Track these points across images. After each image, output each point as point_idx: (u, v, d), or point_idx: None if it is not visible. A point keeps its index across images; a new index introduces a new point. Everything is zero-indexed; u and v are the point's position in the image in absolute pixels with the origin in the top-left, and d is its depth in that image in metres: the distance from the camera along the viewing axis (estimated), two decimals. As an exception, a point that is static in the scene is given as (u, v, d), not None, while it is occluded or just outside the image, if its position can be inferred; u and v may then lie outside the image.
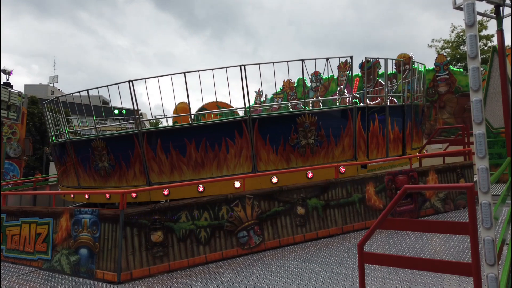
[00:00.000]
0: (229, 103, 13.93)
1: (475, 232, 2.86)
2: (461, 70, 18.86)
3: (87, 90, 9.55)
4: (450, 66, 18.45)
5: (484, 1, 7.14)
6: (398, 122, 10.35)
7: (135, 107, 9.15)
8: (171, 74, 8.88)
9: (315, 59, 9.30)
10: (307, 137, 8.83)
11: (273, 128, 8.85)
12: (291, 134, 8.78)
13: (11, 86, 20.35)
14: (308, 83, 25.79)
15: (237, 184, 7.98)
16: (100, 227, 6.20)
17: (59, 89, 60.67)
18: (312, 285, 4.85)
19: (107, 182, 10.07)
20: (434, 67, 18.42)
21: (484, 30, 26.86)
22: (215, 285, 5.21)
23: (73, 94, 10.02)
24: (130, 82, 8.81)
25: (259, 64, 9.17)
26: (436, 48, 30.33)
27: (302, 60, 9.03)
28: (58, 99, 11.03)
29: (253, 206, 6.93)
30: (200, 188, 8.32)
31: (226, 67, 9.01)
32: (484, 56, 23.63)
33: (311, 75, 25.33)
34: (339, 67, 23.12)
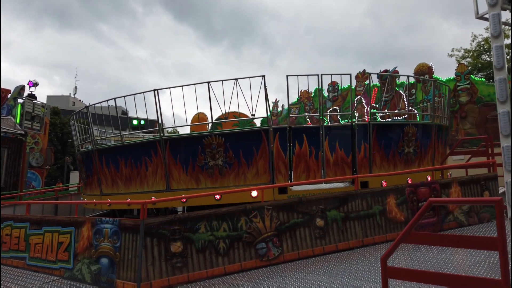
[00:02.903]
0: (246, 113, 14.00)
1: (505, 247, 2.77)
2: (483, 79, 18.53)
3: (107, 100, 10.05)
4: (471, 75, 18.16)
5: (507, 11, 7.03)
6: (344, 143, 9.22)
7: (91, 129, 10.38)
8: (178, 86, 9.18)
9: (222, 80, 8.90)
10: (215, 158, 8.76)
11: (183, 148, 9.04)
12: (198, 155, 8.80)
13: (35, 98, 20.95)
14: (326, 93, 25.74)
15: (153, 198, 8.73)
16: (120, 236, 6.27)
17: (80, 100, 62.24)
18: (333, 299, 4.77)
19: (86, 190, 12.17)
20: (455, 76, 18.15)
21: (506, 39, 26.38)
22: (234, 297, 5.18)
23: (95, 105, 10.27)
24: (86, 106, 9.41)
25: (206, 82, 9.09)
26: (456, 57, 29.91)
27: (208, 83, 8.88)
28: (88, 109, 11.35)
29: (271, 217, 6.89)
30: (128, 199, 9.51)
31: (194, 84, 9.12)
32: (508, 65, 23.17)
33: (328, 85, 25.28)
34: (357, 77, 23.02)
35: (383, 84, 20.81)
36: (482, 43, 28.47)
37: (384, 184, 8.77)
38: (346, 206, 7.45)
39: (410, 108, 19.15)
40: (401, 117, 18.65)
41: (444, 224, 7.95)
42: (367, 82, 22.45)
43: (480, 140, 12.89)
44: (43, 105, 21.25)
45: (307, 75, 9.46)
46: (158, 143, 9.02)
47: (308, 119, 24.84)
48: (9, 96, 19.74)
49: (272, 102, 29.74)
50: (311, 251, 7.00)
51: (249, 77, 8.83)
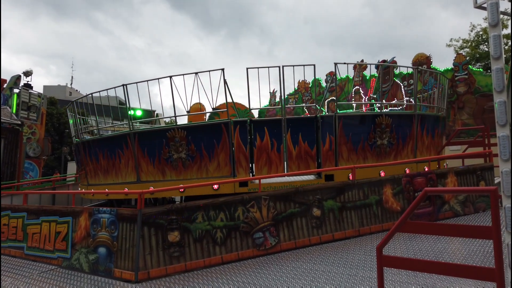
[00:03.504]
0: (243, 104, 13.99)
1: (499, 236, 2.80)
2: (481, 70, 18.50)
3: (86, 95, 10.64)
4: (469, 66, 18.13)
5: (506, 0, 6.97)
6: (308, 136, 9.07)
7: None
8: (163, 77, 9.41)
9: (183, 74, 9.12)
10: (179, 151, 8.92)
11: (149, 141, 9.29)
12: (163, 148, 9.00)
13: (31, 87, 20.79)
14: (324, 84, 25.67)
15: (126, 189, 9.41)
16: (118, 226, 6.29)
17: (77, 90, 61.80)
18: (328, 287, 4.82)
19: (81, 181, 12.90)
20: (453, 67, 18.12)
21: (504, 29, 26.26)
22: (231, 286, 5.23)
23: (93, 95, 10.34)
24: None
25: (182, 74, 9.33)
26: (454, 48, 29.81)
27: (170, 77, 9.08)
28: (76, 101, 11.44)
29: (268, 207, 6.92)
30: (107, 189, 10.13)
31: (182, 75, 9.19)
32: (506, 56, 23.12)
33: (326, 75, 25.21)
34: (354, 68, 22.94)
35: (382, 75, 20.75)
36: (481, 33, 28.36)
37: (351, 177, 8.51)
38: (343, 196, 7.49)
39: (407, 98, 19.16)
40: (399, 107, 18.67)
41: (440, 214, 8.00)
42: (365, 72, 22.42)
43: (477, 131, 12.94)
44: (39, 95, 21.10)
45: (268, 67, 9.31)
46: (128, 136, 9.30)
47: (306, 110, 24.80)
48: (5, 86, 19.58)
49: (270, 92, 29.66)
50: (308, 241, 7.05)
51: (209, 71, 8.97)
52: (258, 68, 9.23)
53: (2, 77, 19.47)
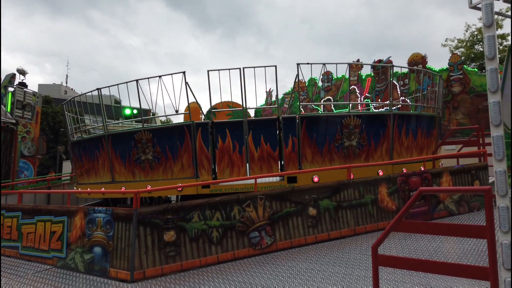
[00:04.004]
0: (239, 103, 13.96)
1: (493, 235, 2.82)
2: (476, 70, 18.61)
3: (79, 95, 10.97)
4: (464, 66, 18.22)
5: (500, 0, 7.00)
6: (270, 138, 8.98)
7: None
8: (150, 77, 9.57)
9: (148, 78, 9.52)
10: (146, 152, 9.14)
11: (121, 143, 9.55)
12: (132, 149, 9.24)
13: (26, 86, 20.66)
14: (320, 83, 25.70)
15: (103, 189, 9.95)
16: (113, 226, 6.27)
17: (72, 89, 61.51)
18: (324, 286, 4.83)
19: (75, 180, 13.25)
20: (448, 66, 18.20)
21: (499, 29, 26.42)
22: (227, 285, 5.23)
23: (86, 94, 10.41)
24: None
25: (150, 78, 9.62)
26: (450, 48, 29.96)
27: (136, 81, 9.31)
28: (76, 99, 11.51)
29: (264, 207, 6.93)
30: (89, 189, 10.64)
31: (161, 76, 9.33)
32: (500, 56, 23.26)
33: (322, 75, 25.21)
34: (351, 67, 22.97)
35: (377, 74, 20.83)
36: (476, 33, 28.52)
37: (316, 179, 8.55)
38: (339, 195, 7.51)
39: (403, 98, 19.24)
40: (394, 107, 18.72)
41: (435, 213, 8.04)
42: (361, 72, 22.47)
43: (471, 130, 13.01)
44: (34, 93, 20.99)
45: (229, 69, 9.15)
46: (103, 138, 9.59)
47: (302, 109, 24.80)
48: (-1, 84, 19.44)
49: (266, 92, 29.63)
50: (304, 240, 7.07)
51: (171, 74, 9.11)
52: (219, 70, 9.16)
53: (-3, 75, 19.34)
